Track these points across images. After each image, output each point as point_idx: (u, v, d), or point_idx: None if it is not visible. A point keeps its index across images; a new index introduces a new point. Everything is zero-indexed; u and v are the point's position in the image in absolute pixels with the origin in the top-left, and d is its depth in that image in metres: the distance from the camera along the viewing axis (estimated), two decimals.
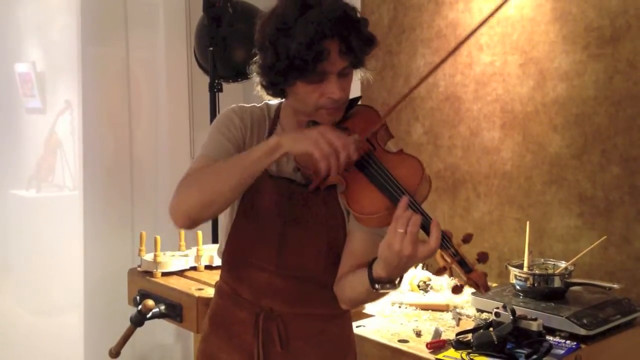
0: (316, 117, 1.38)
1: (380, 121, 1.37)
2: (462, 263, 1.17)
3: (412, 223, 1.15)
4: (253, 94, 1.46)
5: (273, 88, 1.39)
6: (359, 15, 1.35)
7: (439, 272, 1.21)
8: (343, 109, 1.40)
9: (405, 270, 1.21)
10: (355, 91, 1.50)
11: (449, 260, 1.18)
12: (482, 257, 1.19)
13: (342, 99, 1.36)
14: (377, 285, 1.24)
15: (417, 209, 1.19)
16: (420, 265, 2.43)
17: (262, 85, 1.40)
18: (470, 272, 1.16)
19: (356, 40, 1.31)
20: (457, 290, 1.20)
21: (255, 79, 1.42)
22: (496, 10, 1.37)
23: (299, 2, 1.31)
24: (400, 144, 1.42)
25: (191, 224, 1.36)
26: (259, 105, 1.53)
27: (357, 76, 1.45)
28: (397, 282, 1.26)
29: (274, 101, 1.51)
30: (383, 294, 1.32)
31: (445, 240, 1.17)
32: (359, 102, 1.47)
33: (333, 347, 1.50)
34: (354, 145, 1.25)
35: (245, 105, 1.52)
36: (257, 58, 1.38)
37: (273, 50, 1.31)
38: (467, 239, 1.19)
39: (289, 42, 1.28)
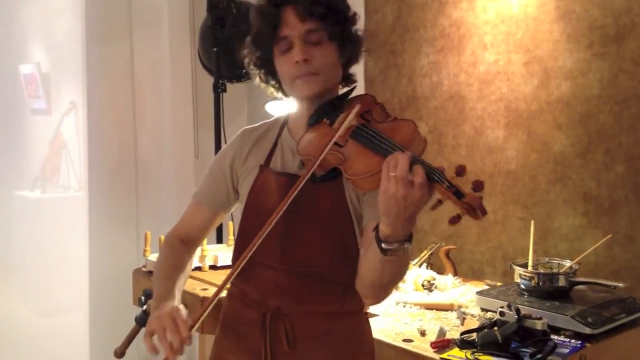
0: (296, 90, 1.44)
1: (364, 101, 1.42)
2: (457, 193, 1.14)
3: (400, 162, 1.15)
4: (256, 94, 1.49)
5: (261, 69, 1.50)
6: None
7: (434, 207, 1.18)
8: (319, 79, 1.42)
9: (407, 219, 1.17)
10: (359, 90, 1.52)
11: (444, 195, 1.16)
12: (477, 186, 1.15)
13: (311, 65, 1.40)
14: (383, 245, 1.21)
15: (417, 160, 1.17)
16: (425, 264, 2.43)
17: (252, 67, 1.51)
18: (463, 197, 1.13)
19: (314, 4, 1.39)
20: (454, 220, 1.16)
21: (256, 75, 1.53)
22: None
23: None
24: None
25: None
26: (271, 120, 1.60)
27: (361, 65, 1.49)
28: (405, 240, 1.22)
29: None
30: (397, 270, 1.29)
31: (438, 175, 1.15)
32: (353, 92, 1.50)
33: (341, 348, 1.48)
34: (189, 338, 1.33)
35: (254, 125, 1.60)
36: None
37: (250, 32, 1.48)
38: (459, 171, 1.17)
39: (254, 18, 1.46)
